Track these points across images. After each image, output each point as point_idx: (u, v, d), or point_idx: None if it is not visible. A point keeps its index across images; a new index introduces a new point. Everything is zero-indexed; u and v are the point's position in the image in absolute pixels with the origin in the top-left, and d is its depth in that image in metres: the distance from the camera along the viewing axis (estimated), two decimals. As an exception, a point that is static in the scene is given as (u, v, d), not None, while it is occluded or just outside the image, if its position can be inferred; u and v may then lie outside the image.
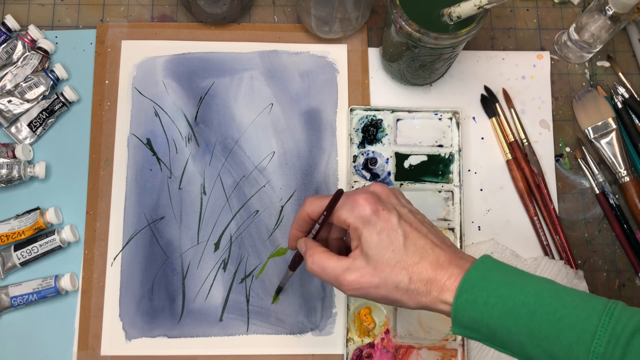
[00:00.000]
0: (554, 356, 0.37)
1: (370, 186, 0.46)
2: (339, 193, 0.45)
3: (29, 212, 0.60)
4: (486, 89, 0.66)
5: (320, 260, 0.44)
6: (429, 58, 0.58)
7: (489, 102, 0.66)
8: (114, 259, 0.61)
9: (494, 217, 0.63)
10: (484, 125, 0.66)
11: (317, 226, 0.47)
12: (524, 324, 0.38)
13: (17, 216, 0.60)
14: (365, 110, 0.64)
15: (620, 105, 0.66)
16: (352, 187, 0.63)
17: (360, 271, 0.42)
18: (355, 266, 0.43)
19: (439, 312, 0.42)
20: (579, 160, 0.65)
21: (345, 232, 0.50)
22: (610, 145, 0.64)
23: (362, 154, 0.64)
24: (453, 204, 0.63)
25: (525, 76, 0.67)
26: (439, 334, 0.60)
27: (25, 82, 0.63)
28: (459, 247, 0.61)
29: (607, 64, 0.68)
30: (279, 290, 0.59)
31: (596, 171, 0.64)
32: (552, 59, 0.68)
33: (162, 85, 0.65)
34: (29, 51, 0.63)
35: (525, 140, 0.65)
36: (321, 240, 0.49)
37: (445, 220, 0.62)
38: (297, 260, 0.51)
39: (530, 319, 0.38)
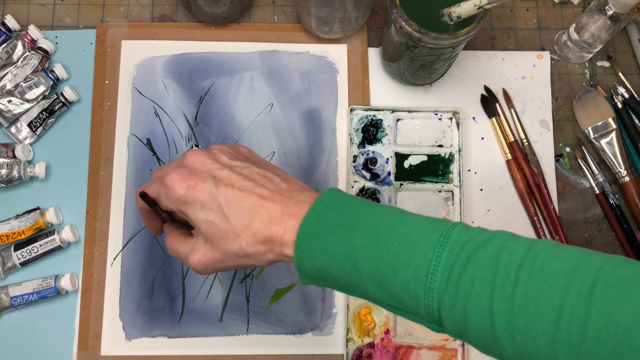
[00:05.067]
0: (395, 296, 0.36)
1: (185, 156, 0.42)
2: (142, 196, 0.42)
3: (29, 212, 0.60)
4: (486, 89, 0.66)
5: (172, 244, 0.43)
6: (429, 58, 0.58)
7: (489, 102, 0.66)
8: (114, 259, 0.61)
9: (494, 217, 0.63)
10: (484, 125, 0.66)
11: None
12: (362, 267, 0.36)
13: (17, 216, 0.60)
14: (365, 110, 0.64)
15: (620, 105, 0.66)
16: (352, 187, 0.63)
17: (202, 250, 0.41)
18: (197, 246, 0.41)
19: (286, 262, 0.41)
20: (579, 160, 0.65)
21: None
22: (610, 145, 0.64)
23: (362, 154, 0.64)
24: (453, 204, 0.63)
25: (525, 76, 0.67)
26: (439, 334, 0.60)
27: (25, 82, 0.63)
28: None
29: (607, 64, 0.68)
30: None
31: (596, 171, 0.64)
32: (552, 59, 0.68)
33: (162, 85, 0.65)
34: (29, 51, 0.63)
35: (525, 140, 0.65)
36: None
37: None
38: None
39: (367, 262, 0.36)
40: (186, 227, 0.46)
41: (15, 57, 0.63)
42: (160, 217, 0.46)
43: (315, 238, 0.37)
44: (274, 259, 0.40)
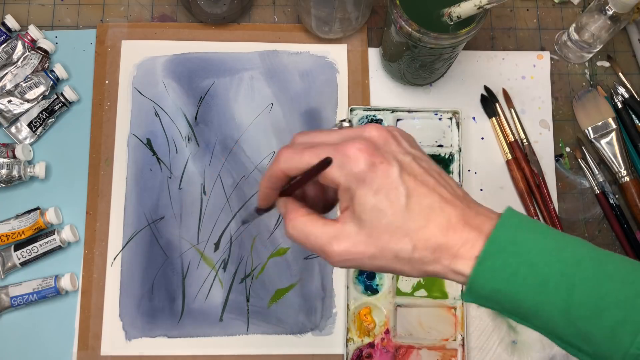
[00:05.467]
0: (587, 336, 0.32)
1: (365, 129, 0.36)
2: (327, 162, 0.34)
3: (29, 212, 0.60)
4: (486, 89, 0.66)
5: (303, 225, 0.36)
6: (429, 58, 0.58)
7: (489, 102, 0.66)
8: (114, 259, 0.61)
9: None
10: (484, 125, 0.66)
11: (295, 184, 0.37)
12: (561, 299, 0.32)
13: (17, 216, 0.60)
14: (365, 110, 0.64)
15: (620, 105, 0.66)
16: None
17: (352, 239, 0.34)
18: (346, 233, 0.35)
19: (449, 279, 0.35)
20: (579, 160, 0.65)
21: (323, 187, 0.40)
22: (610, 145, 0.64)
23: (362, 154, 0.64)
24: (453, 204, 0.63)
25: (525, 76, 0.67)
26: (439, 334, 0.60)
27: (25, 82, 0.63)
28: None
29: (607, 64, 0.68)
30: (243, 222, 0.54)
31: (596, 171, 0.64)
32: (552, 59, 0.68)
33: (162, 85, 0.65)
34: (29, 51, 0.63)
35: (525, 140, 0.65)
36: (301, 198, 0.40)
37: (445, 220, 0.62)
38: (265, 210, 0.42)
39: (568, 294, 0.31)
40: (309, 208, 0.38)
41: (15, 57, 0.63)
42: (290, 189, 0.38)
43: (506, 258, 0.33)
44: (436, 271, 0.34)
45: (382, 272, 0.36)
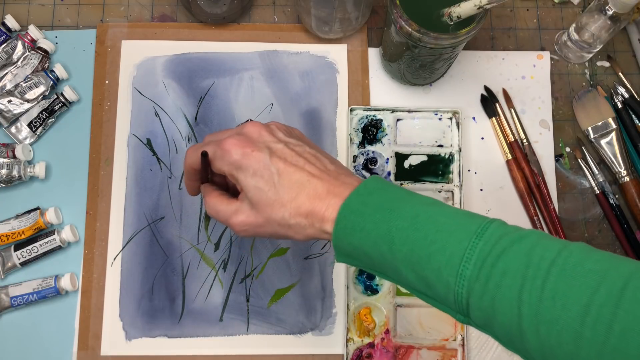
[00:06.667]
0: (427, 281, 0.37)
1: (243, 126, 0.45)
2: (203, 155, 0.44)
3: (29, 212, 0.60)
4: (486, 89, 0.66)
5: (214, 204, 0.45)
6: (429, 58, 0.58)
7: (489, 102, 0.66)
8: (114, 259, 0.61)
9: (494, 217, 0.63)
10: (484, 125, 0.66)
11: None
12: (398, 249, 0.38)
13: (17, 216, 0.60)
14: (365, 110, 0.64)
15: (620, 105, 0.66)
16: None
17: (246, 213, 0.43)
18: (242, 208, 0.43)
19: (325, 239, 0.43)
20: (579, 160, 0.65)
21: None
22: (610, 145, 0.64)
23: (362, 154, 0.64)
24: (453, 204, 0.63)
25: (525, 76, 0.67)
26: (439, 334, 0.60)
27: (25, 82, 0.63)
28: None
29: (607, 64, 0.68)
30: (206, 216, 0.61)
31: (596, 171, 0.64)
32: (552, 59, 0.68)
33: (162, 85, 0.65)
34: (29, 51, 0.63)
35: (525, 140, 0.65)
36: (222, 183, 0.49)
37: (445, 220, 0.62)
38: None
39: (403, 244, 0.38)
40: (224, 190, 0.47)
41: (15, 57, 0.63)
42: (204, 178, 0.47)
43: (355, 217, 0.39)
44: (313, 234, 0.41)
45: (276, 238, 0.44)
